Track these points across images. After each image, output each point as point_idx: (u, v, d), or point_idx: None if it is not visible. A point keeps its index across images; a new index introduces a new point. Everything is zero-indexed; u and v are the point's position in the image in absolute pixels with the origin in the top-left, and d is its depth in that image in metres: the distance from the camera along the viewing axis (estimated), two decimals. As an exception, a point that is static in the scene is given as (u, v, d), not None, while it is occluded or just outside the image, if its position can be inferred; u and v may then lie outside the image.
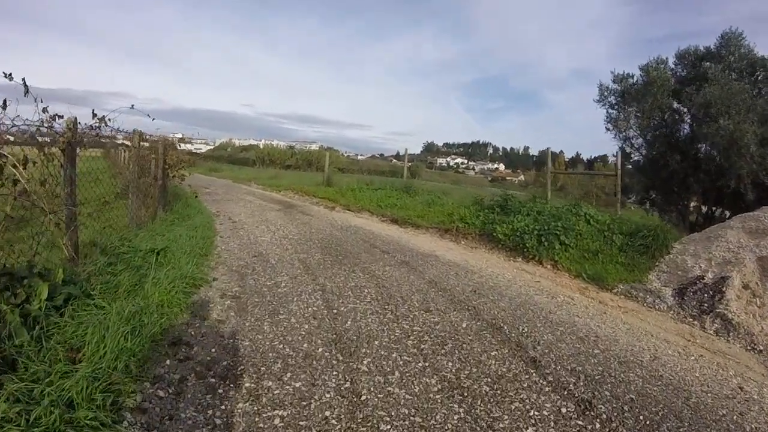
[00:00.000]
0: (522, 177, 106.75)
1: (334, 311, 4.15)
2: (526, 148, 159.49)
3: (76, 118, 4.05)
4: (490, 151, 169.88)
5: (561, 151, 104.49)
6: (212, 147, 76.93)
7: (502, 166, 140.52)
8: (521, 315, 4.39)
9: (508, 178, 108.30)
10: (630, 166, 14.16)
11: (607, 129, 14.28)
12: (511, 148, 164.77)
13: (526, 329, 4.03)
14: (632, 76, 13.69)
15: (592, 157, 64.19)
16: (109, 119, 4.48)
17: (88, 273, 3.95)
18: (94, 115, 4.37)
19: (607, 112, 14.12)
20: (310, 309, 4.16)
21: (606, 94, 14.12)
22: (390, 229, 8.93)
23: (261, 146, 62.53)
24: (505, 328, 4.04)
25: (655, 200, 14.09)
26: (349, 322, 3.91)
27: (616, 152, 11.60)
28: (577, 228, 7.49)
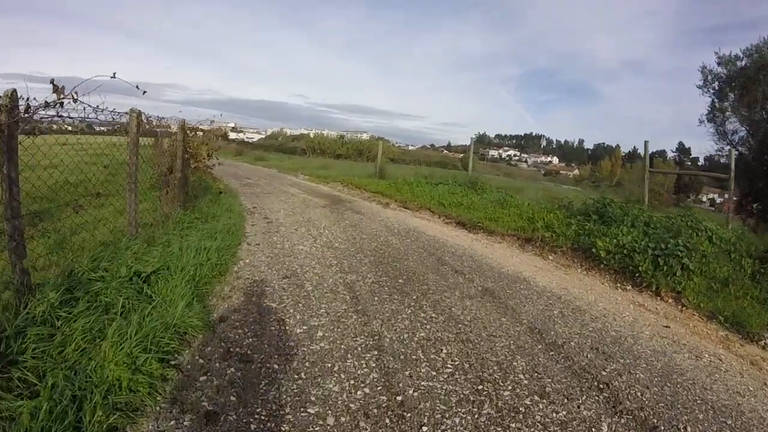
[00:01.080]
0: (577, 171, 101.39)
1: (399, 398, 2.53)
2: (581, 141, 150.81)
3: (14, 91, 2.65)
4: (543, 143, 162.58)
5: (617, 146, 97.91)
6: (264, 136, 77.74)
7: (555, 159, 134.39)
8: (673, 398, 2.88)
9: (562, 171, 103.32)
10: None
11: (701, 121, 12.23)
12: (565, 141, 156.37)
13: (689, 429, 2.53)
14: (741, 59, 11.46)
15: (651, 153, 60.15)
16: (76, 93, 3.06)
17: (25, 321, 2.56)
18: (56, 87, 2.97)
19: (712, 101, 11.99)
20: (359, 392, 2.56)
21: (710, 79, 11.94)
22: (458, 236, 7.23)
23: (311, 135, 62.09)
24: (662, 429, 2.51)
25: (758, 207, 11.82)
26: (425, 429, 2.30)
27: (720, 149, 9.67)
28: (700, 248, 5.56)
